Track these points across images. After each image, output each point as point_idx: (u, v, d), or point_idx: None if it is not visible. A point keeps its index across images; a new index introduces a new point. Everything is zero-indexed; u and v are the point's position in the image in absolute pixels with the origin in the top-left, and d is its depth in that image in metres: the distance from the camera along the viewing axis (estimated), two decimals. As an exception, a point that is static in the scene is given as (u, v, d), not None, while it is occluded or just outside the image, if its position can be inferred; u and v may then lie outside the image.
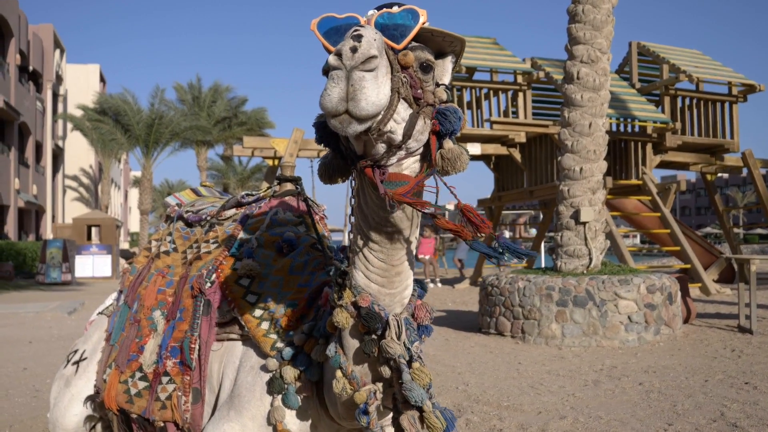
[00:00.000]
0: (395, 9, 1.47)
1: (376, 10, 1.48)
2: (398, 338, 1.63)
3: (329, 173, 1.57)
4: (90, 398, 2.50)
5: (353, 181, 1.61)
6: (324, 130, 1.52)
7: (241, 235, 2.25)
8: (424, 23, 1.46)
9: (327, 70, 1.36)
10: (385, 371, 1.67)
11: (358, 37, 1.31)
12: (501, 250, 1.59)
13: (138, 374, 2.22)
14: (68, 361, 2.67)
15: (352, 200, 1.64)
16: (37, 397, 5.63)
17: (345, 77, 1.31)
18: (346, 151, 1.52)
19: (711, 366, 6.41)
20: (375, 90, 1.32)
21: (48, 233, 33.93)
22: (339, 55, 1.31)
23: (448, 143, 1.51)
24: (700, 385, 5.64)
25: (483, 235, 1.56)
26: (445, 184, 1.56)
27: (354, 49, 1.30)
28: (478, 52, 14.48)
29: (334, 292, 1.67)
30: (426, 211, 1.53)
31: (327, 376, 1.80)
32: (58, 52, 38.51)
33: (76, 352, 2.68)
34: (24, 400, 5.58)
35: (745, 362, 6.54)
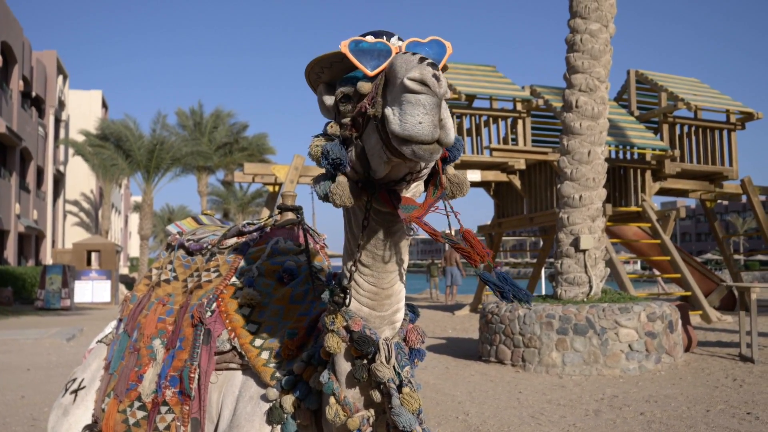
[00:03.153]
0: (424, 39, 1.52)
1: (399, 40, 1.51)
2: (387, 362, 1.63)
3: (348, 195, 1.53)
4: (88, 428, 2.48)
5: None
6: (338, 152, 1.51)
7: (242, 264, 2.26)
8: (450, 55, 1.50)
9: (378, 95, 1.39)
10: (376, 396, 1.68)
11: (434, 65, 1.35)
12: (502, 284, 1.61)
13: (137, 404, 2.21)
14: (66, 390, 2.65)
15: (349, 224, 1.66)
16: (34, 426, 5.59)
17: (437, 105, 1.34)
18: (353, 174, 1.54)
19: (712, 395, 6.37)
20: (450, 119, 1.37)
21: (48, 258, 33.89)
22: (422, 81, 1.32)
23: (451, 169, 1.57)
24: (701, 415, 5.60)
25: (482, 263, 1.58)
26: (451, 208, 1.59)
27: (437, 78, 1.33)
28: (478, 79, 14.61)
29: (326, 315, 1.68)
30: (440, 241, 1.56)
31: (325, 405, 1.80)
32: (61, 78, 38.80)
33: (74, 380, 2.67)
34: (22, 428, 5.54)
35: (747, 392, 6.50)
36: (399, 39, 1.53)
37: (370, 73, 1.45)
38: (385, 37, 1.52)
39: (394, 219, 1.60)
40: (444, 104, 1.35)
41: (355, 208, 1.60)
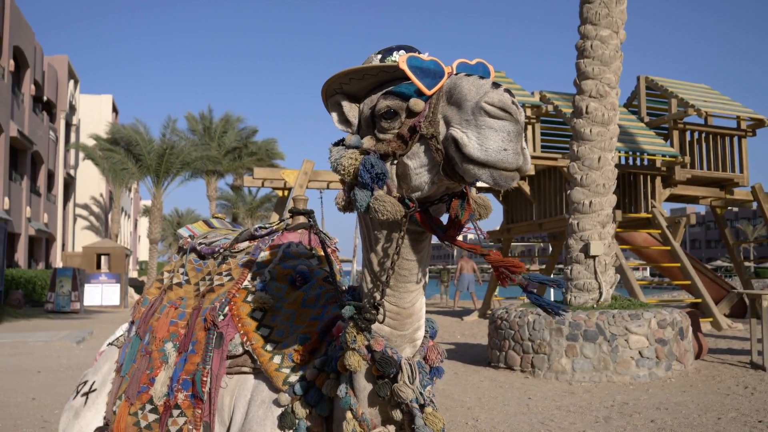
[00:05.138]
0: (471, 61, 1.52)
1: (435, 58, 1.50)
2: (410, 383, 1.62)
3: (399, 209, 1.50)
4: (99, 430, 2.49)
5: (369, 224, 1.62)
6: (382, 166, 1.48)
7: (254, 267, 2.26)
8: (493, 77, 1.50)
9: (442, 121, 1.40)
10: (397, 415, 1.66)
11: (510, 92, 1.35)
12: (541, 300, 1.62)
13: (148, 406, 2.21)
14: (77, 392, 2.65)
15: (374, 243, 1.63)
16: (45, 428, 5.61)
17: (520, 133, 1.34)
18: (386, 191, 1.51)
19: (723, 403, 6.33)
20: (526, 147, 1.38)
21: (58, 261, 34.05)
22: (502, 108, 1.32)
23: (474, 190, 1.58)
24: (712, 423, 5.56)
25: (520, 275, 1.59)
26: (479, 229, 1.59)
27: (517, 105, 1.34)
28: (488, 85, 14.55)
29: (347, 332, 1.65)
30: (478, 253, 1.58)
31: (337, 412, 1.80)
32: (72, 82, 39.05)
33: (85, 383, 2.67)
34: (32, 430, 5.56)
35: (759, 400, 6.45)
36: (404, 52, 1.54)
37: (429, 92, 1.43)
38: (403, 51, 1.54)
39: (420, 238, 1.59)
40: (523, 133, 1.37)
41: (377, 224, 1.59)
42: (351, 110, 1.61)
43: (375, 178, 1.49)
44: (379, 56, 1.59)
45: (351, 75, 1.56)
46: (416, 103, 1.45)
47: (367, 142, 1.55)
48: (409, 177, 1.48)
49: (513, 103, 1.33)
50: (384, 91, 1.53)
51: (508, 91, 1.35)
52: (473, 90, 1.36)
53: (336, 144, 1.63)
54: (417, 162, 1.46)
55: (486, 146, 1.33)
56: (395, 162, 1.50)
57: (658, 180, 13.89)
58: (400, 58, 1.47)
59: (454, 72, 1.47)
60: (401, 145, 1.48)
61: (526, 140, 1.39)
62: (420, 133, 1.44)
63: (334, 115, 1.64)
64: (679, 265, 13.13)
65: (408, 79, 1.47)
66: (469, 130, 1.35)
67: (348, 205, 1.59)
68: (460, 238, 1.60)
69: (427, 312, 1.84)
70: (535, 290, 1.61)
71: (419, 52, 1.53)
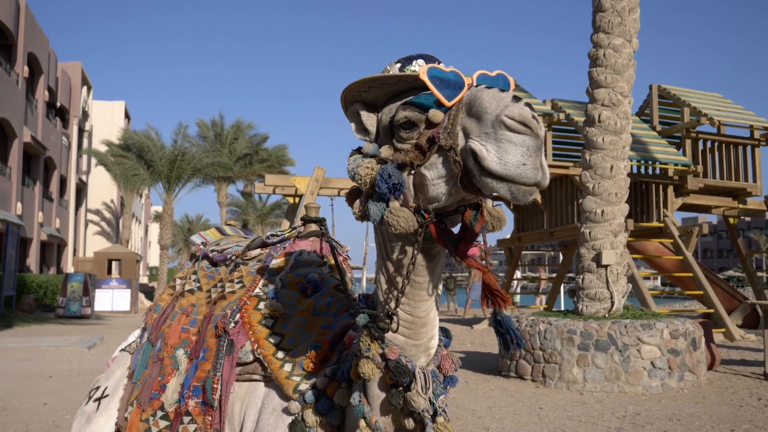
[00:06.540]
0: (491, 72, 1.51)
1: (455, 68, 1.49)
2: (424, 392, 1.61)
3: (413, 221, 1.49)
4: (111, 436, 2.49)
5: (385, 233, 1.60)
6: (399, 176, 1.47)
7: (266, 275, 2.26)
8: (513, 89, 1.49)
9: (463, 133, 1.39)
10: (409, 423, 1.66)
11: (531, 106, 1.33)
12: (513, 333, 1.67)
13: (159, 413, 2.21)
14: (90, 398, 2.66)
15: (389, 253, 1.62)
16: (55, 433, 5.62)
17: (539, 148, 1.33)
18: (402, 201, 1.50)
19: (737, 415, 6.26)
20: (545, 161, 1.37)
21: (69, 266, 34.23)
22: (523, 122, 1.31)
23: (489, 202, 1.56)
24: (726, 435, 5.50)
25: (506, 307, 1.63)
26: (485, 244, 1.59)
27: (537, 120, 1.32)
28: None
29: (361, 340, 1.64)
30: (485, 276, 1.59)
31: (349, 421, 1.79)
32: (85, 89, 39.37)
33: (98, 388, 2.67)
34: (42, 435, 5.57)
35: (773, 411, 6.38)
36: (424, 62, 1.53)
37: (449, 103, 1.42)
38: (423, 60, 1.54)
39: (433, 245, 1.58)
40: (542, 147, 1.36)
41: (392, 235, 1.58)
42: (369, 119, 1.61)
43: (392, 188, 1.47)
44: (398, 65, 1.58)
45: (370, 83, 1.55)
46: (435, 115, 1.44)
47: (385, 151, 1.54)
48: (426, 187, 1.47)
49: (533, 117, 1.32)
50: (403, 101, 1.52)
51: (528, 105, 1.33)
52: (494, 103, 1.34)
53: (354, 152, 1.62)
54: (434, 173, 1.45)
55: (505, 160, 1.32)
56: (412, 172, 1.49)
57: (671, 189, 13.82)
58: (420, 69, 1.46)
59: (474, 83, 1.46)
60: (419, 156, 1.47)
61: (545, 155, 1.37)
62: (438, 145, 1.43)
63: (353, 124, 1.64)
64: (691, 274, 13.04)
65: (427, 89, 1.46)
66: (488, 143, 1.34)
67: (365, 215, 1.58)
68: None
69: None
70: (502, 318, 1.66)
71: (439, 62, 1.52)
